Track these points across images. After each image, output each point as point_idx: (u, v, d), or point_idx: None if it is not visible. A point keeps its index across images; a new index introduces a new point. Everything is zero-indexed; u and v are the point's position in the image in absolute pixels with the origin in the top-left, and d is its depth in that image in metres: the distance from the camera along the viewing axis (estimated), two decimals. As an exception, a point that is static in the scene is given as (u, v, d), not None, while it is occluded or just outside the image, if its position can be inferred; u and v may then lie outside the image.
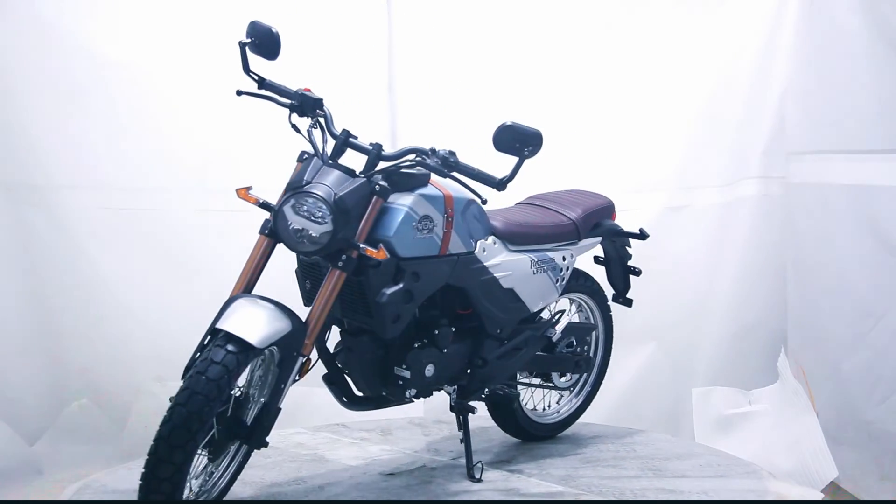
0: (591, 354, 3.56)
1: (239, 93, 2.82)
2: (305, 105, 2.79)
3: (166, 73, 4.25)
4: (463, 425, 3.12)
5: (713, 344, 4.52)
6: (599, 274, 3.57)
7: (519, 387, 3.39)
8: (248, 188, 2.78)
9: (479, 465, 3.12)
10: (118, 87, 4.23)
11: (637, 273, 3.55)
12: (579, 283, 3.48)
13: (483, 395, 3.20)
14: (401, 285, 2.78)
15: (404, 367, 2.91)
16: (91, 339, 4.30)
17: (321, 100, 2.80)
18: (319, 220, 2.64)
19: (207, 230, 4.25)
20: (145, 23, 4.23)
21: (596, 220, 3.41)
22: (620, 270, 3.57)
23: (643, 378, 4.46)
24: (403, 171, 2.76)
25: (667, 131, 4.47)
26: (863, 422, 3.68)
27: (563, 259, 3.28)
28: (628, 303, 3.59)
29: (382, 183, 2.71)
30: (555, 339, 3.29)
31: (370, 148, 2.77)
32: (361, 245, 2.65)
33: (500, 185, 2.69)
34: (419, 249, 2.82)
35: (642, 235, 3.47)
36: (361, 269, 2.73)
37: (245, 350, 2.49)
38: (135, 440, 3.79)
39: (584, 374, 3.57)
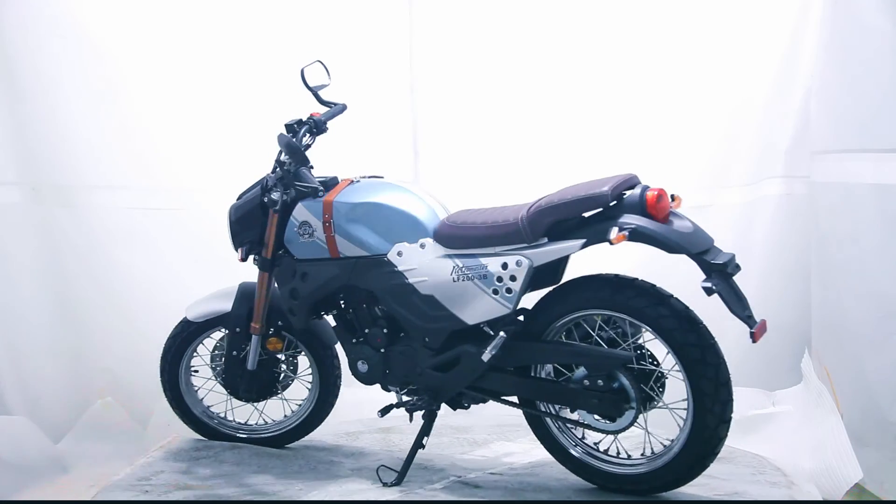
0: (630, 391, 2.78)
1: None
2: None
3: (193, 75, 4.29)
4: (422, 429, 3.07)
5: (736, 344, 4.48)
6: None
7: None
8: None
9: (382, 470, 3.08)
10: (144, 88, 4.28)
11: (707, 292, 2.78)
12: (587, 296, 2.77)
13: (411, 405, 3.08)
14: (288, 284, 3.16)
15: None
16: (115, 337, 4.34)
17: (292, 124, 3.18)
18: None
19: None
20: (172, 26, 4.27)
21: (560, 217, 2.73)
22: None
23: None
24: (297, 184, 3.14)
25: (690, 130, 4.44)
26: (888, 423, 3.64)
27: (504, 266, 2.79)
28: (749, 332, 2.81)
29: (273, 196, 3.13)
30: (485, 359, 2.85)
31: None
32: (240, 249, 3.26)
33: (312, 192, 3.09)
34: (309, 252, 3.12)
35: (626, 236, 2.66)
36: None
37: (187, 322, 3.40)
38: (158, 438, 3.81)
39: (685, 427, 2.77)
